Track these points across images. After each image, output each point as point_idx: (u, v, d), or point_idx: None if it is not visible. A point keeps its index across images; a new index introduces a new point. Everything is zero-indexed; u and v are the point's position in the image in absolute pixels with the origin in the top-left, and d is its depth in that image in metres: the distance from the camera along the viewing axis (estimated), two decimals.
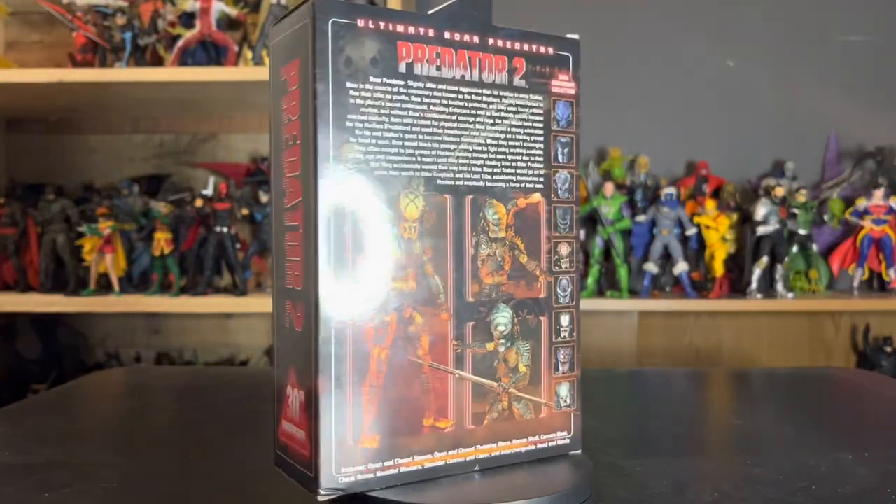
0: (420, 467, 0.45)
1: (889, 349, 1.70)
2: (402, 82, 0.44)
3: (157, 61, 1.57)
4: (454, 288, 0.46)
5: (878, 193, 1.64)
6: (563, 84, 0.49)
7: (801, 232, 1.66)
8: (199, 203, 1.56)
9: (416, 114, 0.44)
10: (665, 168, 1.78)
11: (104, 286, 1.58)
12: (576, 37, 0.50)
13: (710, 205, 1.63)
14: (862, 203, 1.66)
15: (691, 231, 1.63)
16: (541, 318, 0.49)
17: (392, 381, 0.43)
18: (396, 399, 0.44)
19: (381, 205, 0.43)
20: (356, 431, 0.42)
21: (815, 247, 1.71)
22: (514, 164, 0.48)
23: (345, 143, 0.42)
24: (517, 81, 0.47)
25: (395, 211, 0.43)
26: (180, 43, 1.52)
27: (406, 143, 0.44)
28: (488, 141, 0.47)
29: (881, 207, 1.65)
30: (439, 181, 0.45)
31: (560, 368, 0.50)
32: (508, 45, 0.47)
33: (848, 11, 1.80)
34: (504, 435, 0.48)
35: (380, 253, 0.43)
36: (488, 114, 0.47)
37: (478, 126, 0.46)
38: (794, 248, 1.68)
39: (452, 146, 0.45)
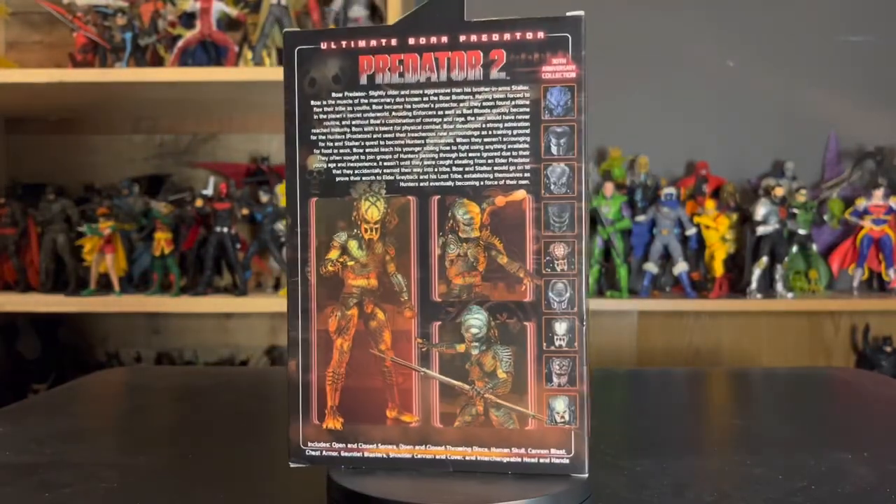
0: (385, 455, 0.47)
1: (889, 349, 1.70)
2: (363, 93, 0.47)
3: (158, 61, 1.57)
4: (418, 287, 0.47)
5: (878, 193, 1.64)
6: (557, 68, 0.45)
7: (801, 232, 1.66)
8: (199, 203, 1.56)
9: (378, 121, 0.47)
10: (665, 168, 1.78)
11: (104, 286, 1.58)
12: (578, 13, 0.45)
13: (710, 205, 1.63)
14: (862, 203, 1.66)
15: (691, 231, 1.63)
16: (525, 323, 0.46)
17: (354, 371, 0.47)
18: (359, 388, 0.47)
19: (342, 209, 0.47)
20: (321, 412, 0.48)
21: (814, 247, 1.71)
22: (490, 161, 0.46)
23: (309, 154, 0.47)
24: (495, 74, 0.46)
25: (357, 213, 0.47)
26: (180, 43, 1.52)
27: (367, 150, 0.47)
28: (458, 140, 0.46)
29: (881, 207, 1.65)
30: (402, 183, 0.47)
31: (555, 380, 0.46)
32: (484, 38, 0.46)
33: (848, 11, 1.80)
34: (479, 441, 0.46)
35: (342, 252, 0.48)
36: (458, 112, 0.46)
37: (445, 126, 0.46)
38: (794, 248, 1.68)
39: (416, 148, 0.47)
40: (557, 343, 0.46)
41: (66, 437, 0.62)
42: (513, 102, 0.46)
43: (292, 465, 0.48)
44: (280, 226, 1.58)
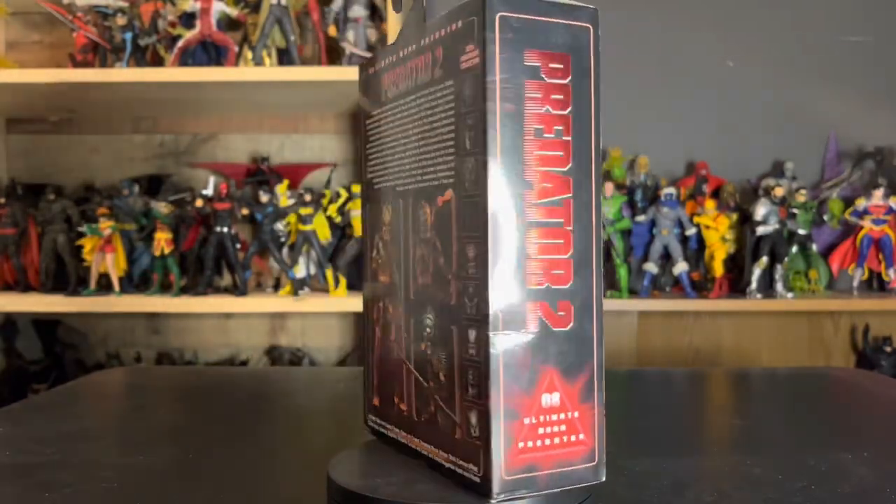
0: (396, 438, 0.50)
1: (888, 349, 1.70)
2: (381, 108, 0.52)
3: (158, 61, 1.57)
4: (403, 285, 0.49)
5: (878, 193, 1.64)
6: (469, 56, 0.41)
7: (801, 232, 1.66)
8: (199, 203, 1.56)
9: (386, 132, 0.51)
10: (665, 168, 1.78)
11: (104, 286, 1.58)
12: None
13: (710, 205, 1.63)
14: (861, 203, 1.66)
15: (691, 231, 1.63)
16: (452, 326, 0.43)
17: (382, 357, 0.52)
18: (384, 372, 0.52)
19: (378, 213, 0.52)
20: (370, 388, 0.54)
21: (814, 247, 1.71)
22: (435, 160, 0.44)
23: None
24: (437, 72, 0.44)
25: (382, 217, 0.51)
26: (180, 43, 1.52)
27: (384, 157, 0.51)
28: (420, 143, 0.47)
29: (881, 207, 1.65)
30: (397, 188, 0.49)
31: (469, 391, 0.41)
32: (433, 37, 0.44)
33: (848, 11, 1.80)
34: (433, 440, 0.46)
35: (377, 252, 0.53)
36: (418, 115, 0.47)
37: (414, 131, 0.47)
38: (794, 248, 1.68)
39: (400, 154, 0.49)
40: (471, 351, 0.41)
41: (66, 437, 0.62)
42: (445, 99, 0.43)
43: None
44: (280, 226, 1.58)
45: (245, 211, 1.58)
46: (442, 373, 0.44)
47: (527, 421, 0.41)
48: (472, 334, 0.41)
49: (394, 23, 1.46)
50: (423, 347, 0.46)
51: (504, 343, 0.40)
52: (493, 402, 0.40)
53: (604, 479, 0.43)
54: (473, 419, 0.41)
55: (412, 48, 0.47)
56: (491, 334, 0.40)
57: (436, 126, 0.44)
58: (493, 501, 0.40)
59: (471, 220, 0.41)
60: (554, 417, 0.42)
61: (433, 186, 0.45)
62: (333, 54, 1.64)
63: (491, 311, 0.40)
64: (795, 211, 1.64)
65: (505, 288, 0.40)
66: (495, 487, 0.40)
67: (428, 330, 0.46)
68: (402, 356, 0.49)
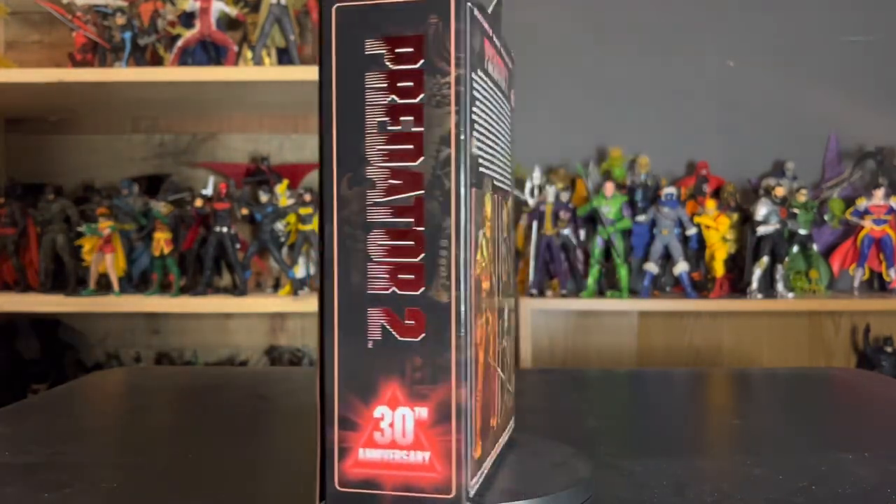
0: (486, 470, 0.42)
1: (889, 349, 1.70)
2: (486, 78, 0.42)
3: (157, 61, 1.57)
4: (497, 285, 0.45)
5: (879, 193, 1.64)
6: (512, 97, 0.51)
7: (802, 232, 1.66)
8: (198, 203, 1.56)
9: (489, 111, 0.43)
10: (665, 168, 1.78)
11: (104, 286, 1.58)
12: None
13: (711, 205, 1.63)
14: (862, 203, 1.66)
15: (691, 231, 1.63)
16: (513, 312, 0.52)
17: (484, 385, 0.41)
18: (485, 402, 0.42)
19: (480, 202, 0.40)
20: (473, 441, 0.39)
21: (815, 247, 1.71)
22: (509, 166, 0.49)
23: (471, 135, 0.39)
24: (506, 88, 0.49)
25: (484, 209, 0.41)
26: (180, 43, 1.52)
27: (485, 142, 0.42)
28: (500, 141, 0.48)
29: (881, 207, 1.65)
30: (495, 181, 0.45)
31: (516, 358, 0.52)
32: (504, 51, 0.48)
33: (848, 11, 1.80)
34: (504, 427, 0.49)
35: (481, 252, 0.41)
36: (502, 116, 0.47)
37: (501, 127, 0.48)
38: (795, 248, 1.68)
39: (498, 147, 0.45)
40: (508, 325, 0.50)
41: (66, 437, 0.62)
42: (508, 114, 0.49)
43: None
44: (280, 226, 1.58)
45: (245, 211, 1.58)
46: (509, 356, 0.50)
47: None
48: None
49: None
50: (505, 344, 0.48)
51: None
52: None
53: None
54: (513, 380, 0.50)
55: (499, 44, 0.46)
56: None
57: (507, 138, 0.49)
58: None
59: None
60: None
61: (507, 190, 0.49)
62: None
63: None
64: (796, 211, 1.64)
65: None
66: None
67: (506, 323, 0.49)
68: (494, 365, 0.44)
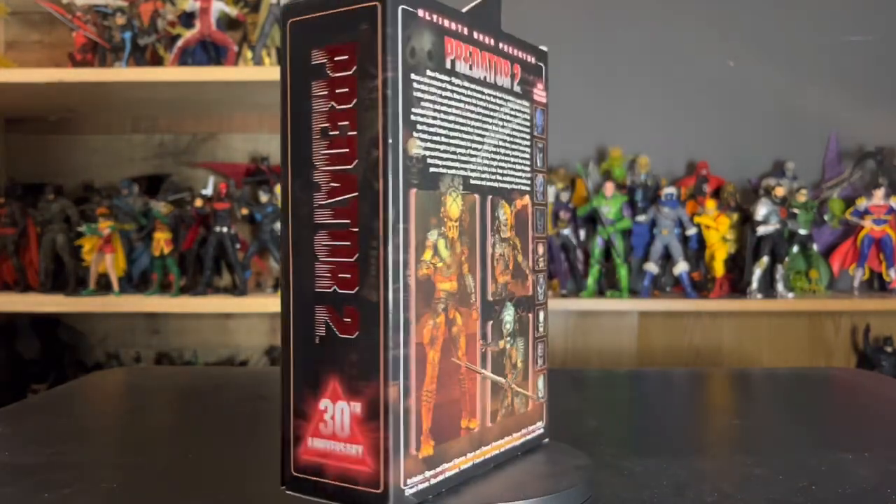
0: (457, 470, 0.43)
1: (889, 349, 1.70)
2: (448, 78, 0.42)
3: (157, 61, 1.57)
4: (480, 287, 0.46)
5: (879, 193, 1.64)
6: (539, 92, 0.52)
7: (802, 232, 1.66)
8: (198, 203, 1.56)
9: (458, 111, 0.43)
10: (665, 168, 1.78)
11: (104, 286, 1.58)
12: (545, 48, 0.52)
13: (711, 205, 1.63)
14: (862, 203, 1.66)
15: (691, 231, 1.63)
16: (529, 314, 0.51)
17: (441, 385, 0.42)
18: (445, 402, 0.42)
19: (435, 203, 0.41)
20: (417, 439, 0.40)
21: (815, 247, 1.71)
22: (514, 165, 0.49)
23: (409, 137, 0.40)
24: (516, 87, 0.49)
25: (443, 209, 0.42)
26: (180, 43, 1.51)
27: (451, 141, 0.43)
28: (500, 143, 0.47)
29: (881, 207, 1.65)
30: (471, 180, 0.45)
31: (539, 362, 0.52)
32: (511, 50, 0.48)
33: (848, 11, 1.80)
34: (508, 430, 0.49)
35: (435, 252, 0.42)
36: (500, 116, 0.47)
37: (496, 127, 0.47)
38: (795, 248, 1.68)
39: (479, 146, 0.45)
40: (541, 329, 0.52)
41: (66, 437, 0.62)
42: (524, 115, 0.50)
43: None
44: (280, 226, 1.58)
45: (245, 211, 1.58)
46: (520, 360, 0.50)
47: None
48: (542, 315, 0.52)
49: None
50: (503, 345, 0.48)
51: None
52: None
53: None
54: (541, 384, 0.52)
55: (490, 41, 0.46)
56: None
57: (514, 135, 0.49)
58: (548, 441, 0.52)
59: (541, 224, 0.52)
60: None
61: (513, 189, 0.49)
62: None
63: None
64: (796, 211, 1.64)
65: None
66: (549, 430, 0.52)
67: (508, 325, 0.48)
68: (475, 366, 0.45)
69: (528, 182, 0.50)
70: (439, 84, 0.42)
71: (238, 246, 1.58)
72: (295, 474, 0.42)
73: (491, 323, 0.46)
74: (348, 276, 0.39)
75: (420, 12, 0.40)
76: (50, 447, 0.59)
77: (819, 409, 0.75)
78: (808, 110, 1.80)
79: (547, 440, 0.53)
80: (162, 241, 1.55)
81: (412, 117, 0.40)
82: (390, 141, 0.38)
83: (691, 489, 0.48)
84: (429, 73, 0.41)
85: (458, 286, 0.43)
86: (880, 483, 0.49)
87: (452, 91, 0.43)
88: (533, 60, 0.50)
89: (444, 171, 0.42)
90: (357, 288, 0.39)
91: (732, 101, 1.80)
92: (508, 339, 0.48)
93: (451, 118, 0.43)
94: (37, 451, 0.58)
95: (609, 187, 1.62)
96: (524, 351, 0.50)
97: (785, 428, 0.66)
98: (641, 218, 1.62)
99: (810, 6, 1.80)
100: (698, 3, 1.82)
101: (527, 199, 0.50)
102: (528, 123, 0.50)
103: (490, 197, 0.46)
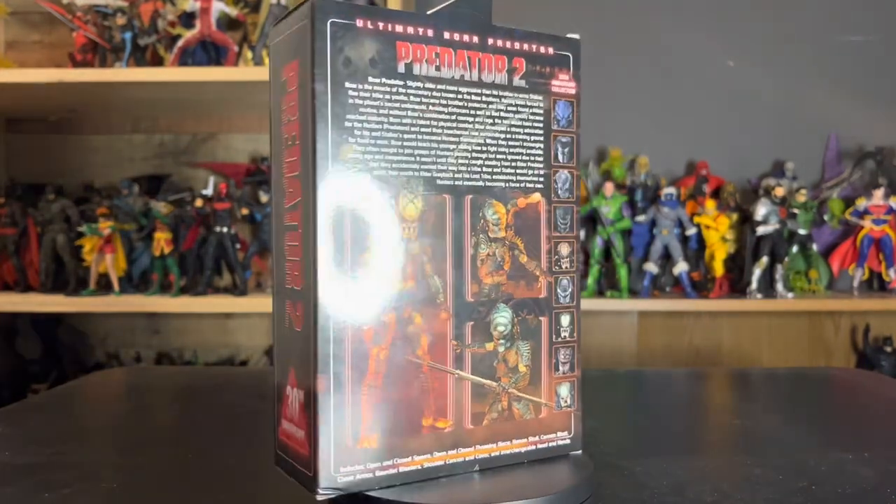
0: (419, 467, 0.45)
1: (889, 349, 1.70)
2: (400, 82, 0.44)
3: (157, 61, 1.57)
4: (454, 288, 0.46)
5: (878, 193, 1.64)
6: (563, 84, 0.50)
7: (801, 232, 1.66)
8: (199, 203, 1.56)
9: (416, 114, 0.44)
10: (665, 168, 1.78)
11: (104, 286, 1.58)
12: (576, 36, 0.50)
13: (710, 205, 1.63)
14: (862, 203, 1.66)
15: (691, 231, 1.63)
16: (541, 318, 0.49)
17: (391, 381, 0.44)
18: (395, 399, 0.44)
19: (380, 205, 0.43)
20: (355, 431, 0.43)
21: (815, 247, 1.71)
22: (513, 163, 0.48)
23: (343, 143, 0.42)
24: (517, 81, 0.48)
25: (395, 211, 0.44)
26: (180, 43, 1.52)
27: (405, 143, 0.44)
28: (488, 141, 0.47)
29: (881, 207, 1.65)
30: (438, 181, 0.45)
31: (560, 369, 0.50)
32: (508, 44, 0.48)
33: (848, 11, 1.80)
34: (504, 435, 0.48)
35: (378, 253, 0.43)
36: (487, 114, 0.47)
37: (477, 126, 0.47)
38: (794, 248, 1.68)
39: (451, 146, 0.46)
40: (563, 334, 0.50)
41: (66, 437, 0.62)
42: (531, 110, 0.48)
43: (321, 498, 0.42)
44: None
45: (245, 211, 1.58)
46: (522, 364, 0.48)
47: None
48: (565, 319, 0.50)
49: None
50: (492, 347, 0.47)
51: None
52: (579, 373, 0.51)
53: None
54: (564, 392, 0.50)
55: (473, 39, 0.46)
56: (580, 317, 0.49)
57: (515, 131, 0.48)
58: (580, 452, 0.50)
59: (563, 223, 0.50)
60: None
61: (510, 188, 0.48)
62: None
63: (580, 298, 0.50)
64: (796, 211, 1.64)
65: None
66: (580, 442, 0.51)
67: (501, 328, 0.47)
68: (448, 366, 0.46)
69: (539, 179, 0.49)
70: (386, 89, 0.43)
71: (238, 246, 1.59)
72: (277, 452, 0.47)
73: (471, 324, 0.46)
74: (297, 274, 0.43)
75: (359, 22, 0.43)
76: (50, 447, 0.59)
77: (819, 409, 0.75)
78: (808, 110, 1.80)
79: (579, 452, 0.50)
80: (162, 241, 1.55)
81: (346, 124, 0.42)
82: (319, 147, 0.41)
83: (691, 489, 0.48)
84: (371, 79, 0.43)
85: (418, 286, 0.45)
86: (880, 483, 0.49)
87: (407, 94, 0.44)
88: (552, 51, 0.49)
89: (394, 173, 0.44)
90: (302, 285, 0.43)
91: (732, 101, 1.80)
92: (502, 341, 0.47)
93: (407, 121, 0.44)
94: (37, 451, 0.58)
95: (609, 187, 1.62)
96: (530, 355, 0.48)
97: (785, 428, 0.66)
98: (641, 218, 1.62)
99: (810, 6, 1.80)
100: (698, 4, 1.82)
101: (536, 196, 0.49)
102: (538, 118, 0.49)
103: (470, 197, 0.46)
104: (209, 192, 1.58)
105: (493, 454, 0.47)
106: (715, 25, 1.82)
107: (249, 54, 1.55)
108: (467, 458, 0.46)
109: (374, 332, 0.43)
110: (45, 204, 1.61)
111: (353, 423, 0.43)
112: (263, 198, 1.59)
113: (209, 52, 1.55)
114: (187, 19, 1.54)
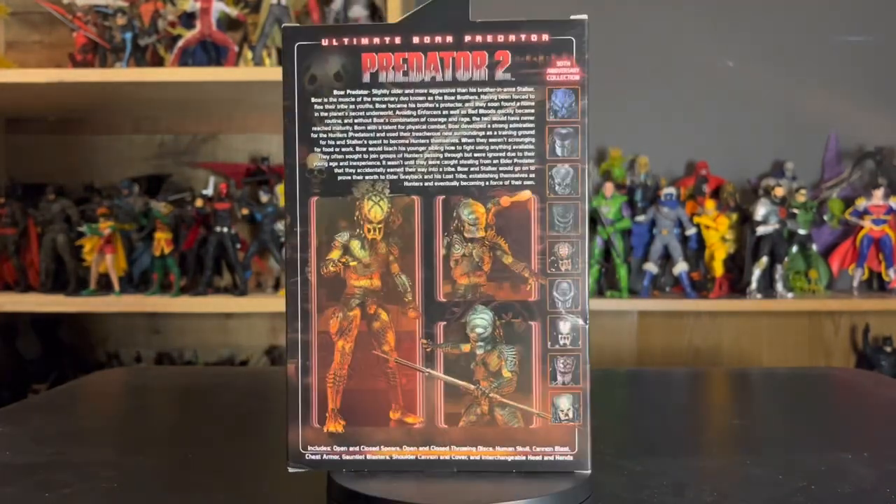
0: (388, 458, 0.47)
1: (889, 349, 1.70)
2: (365, 91, 0.47)
3: (158, 61, 1.57)
4: (423, 287, 0.47)
5: (878, 193, 1.64)
6: (562, 71, 0.46)
7: (801, 232, 1.66)
8: (199, 203, 1.56)
9: (381, 120, 0.47)
10: (665, 168, 1.78)
11: (104, 286, 1.58)
12: (583, 17, 0.46)
13: (710, 205, 1.63)
14: (861, 203, 1.66)
15: (691, 231, 1.63)
16: (531, 322, 0.46)
17: (356, 372, 0.47)
18: (361, 390, 0.47)
19: (342, 208, 0.47)
20: (321, 415, 0.47)
21: (814, 247, 1.71)
22: (495, 161, 0.46)
23: (309, 152, 0.47)
24: (500, 75, 0.46)
25: (359, 213, 0.47)
26: (180, 43, 1.51)
27: (370, 149, 0.47)
28: (463, 140, 0.47)
29: (881, 207, 1.65)
30: (406, 183, 0.47)
31: (559, 379, 0.46)
32: (489, 38, 0.46)
33: (848, 11, 1.80)
34: (484, 440, 0.47)
35: (344, 252, 0.47)
36: (463, 112, 0.46)
37: (451, 126, 0.46)
38: (794, 248, 1.68)
39: (421, 148, 0.47)
40: (562, 342, 0.47)
41: (66, 437, 0.62)
42: (518, 104, 0.47)
43: (291, 470, 0.47)
44: (280, 226, 1.58)
45: (245, 211, 1.58)
46: (506, 369, 0.47)
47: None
48: (565, 326, 0.47)
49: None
50: (468, 349, 0.47)
51: (588, 331, 0.48)
52: (588, 386, 0.46)
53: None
54: (564, 404, 0.46)
55: (447, 39, 0.46)
56: (587, 324, 0.47)
57: (497, 127, 0.47)
58: (589, 472, 0.46)
59: (563, 221, 0.47)
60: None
61: (490, 186, 0.47)
62: None
63: (587, 304, 0.47)
64: (795, 211, 1.64)
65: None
66: (590, 462, 0.46)
67: (479, 329, 0.47)
68: (418, 364, 0.47)
69: (529, 175, 0.46)
70: (350, 100, 0.47)
71: (238, 246, 1.58)
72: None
73: (444, 324, 0.46)
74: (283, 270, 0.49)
75: (324, 42, 0.47)
76: (50, 447, 0.59)
77: (819, 409, 0.75)
78: (808, 110, 1.80)
79: (586, 472, 0.46)
80: (162, 241, 1.55)
81: (312, 135, 0.47)
82: (288, 158, 0.47)
83: (691, 489, 0.48)
84: (336, 92, 0.47)
85: (383, 284, 0.47)
86: (880, 483, 0.49)
87: (372, 102, 0.47)
88: (547, 38, 0.46)
89: (359, 178, 0.47)
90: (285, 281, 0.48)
91: (732, 101, 1.80)
92: (481, 343, 0.46)
93: (372, 127, 0.47)
94: (37, 451, 0.58)
95: (608, 187, 1.62)
96: (516, 361, 0.46)
97: (785, 428, 0.66)
98: (641, 218, 1.62)
99: (810, 6, 1.80)
100: (698, 3, 1.82)
101: (525, 194, 0.46)
102: (527, 111, 0.46)
103: (442, 197, 0.46)
104: (209, 192, 1.58)
105: (472, 458, 0.46)
106: (715, 25, 1.82)
107: (249, 54, 1.55)
108: (442, 458, 0.46)
109: (339, 326, 0.47)
110: (46, 204, 1.60)
111: (320, 408, 0.47)
112: (263, 198, 1.59)
113: (209, 53, 1.55)
114: (187, 19, 1.54)
